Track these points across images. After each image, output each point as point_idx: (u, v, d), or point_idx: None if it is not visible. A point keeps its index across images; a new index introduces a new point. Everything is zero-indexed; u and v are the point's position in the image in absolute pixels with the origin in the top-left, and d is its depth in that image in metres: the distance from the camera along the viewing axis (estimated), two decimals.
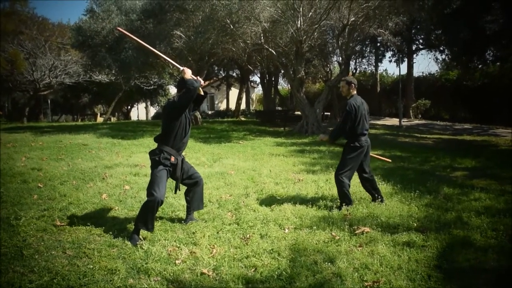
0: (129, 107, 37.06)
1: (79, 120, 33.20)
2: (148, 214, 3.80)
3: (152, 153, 4.03)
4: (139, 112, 41.34)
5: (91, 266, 3.23)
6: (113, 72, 18.40)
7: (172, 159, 3.96)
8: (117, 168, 7.35)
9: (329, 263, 3.28)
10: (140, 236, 3.83)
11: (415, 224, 4.16)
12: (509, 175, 6.89)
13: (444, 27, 15.13)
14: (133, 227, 3.91)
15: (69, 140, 11.56)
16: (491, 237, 3.82)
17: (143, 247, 3.59)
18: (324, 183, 6.19)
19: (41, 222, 4.31)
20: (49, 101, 32.05)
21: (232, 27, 13.32)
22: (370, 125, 5.11)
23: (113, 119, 32.29)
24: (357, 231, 3.94)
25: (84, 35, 16.13)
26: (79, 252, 3.53)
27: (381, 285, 2.92)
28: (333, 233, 3.92)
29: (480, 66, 16.82)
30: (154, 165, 3.95)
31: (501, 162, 8.33)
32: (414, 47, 24.90)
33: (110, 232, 4.00)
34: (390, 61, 28.24)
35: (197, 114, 19.92)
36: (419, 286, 2.94)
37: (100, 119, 30.36)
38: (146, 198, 3.85)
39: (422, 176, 6.88)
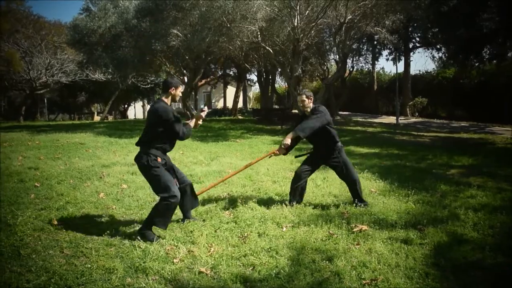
0: (126, 105, 36.91)
1: (76, 119, 33.06)
2: (169, 214, 3.83)
3: (138, 158, 3.96)
4: (136, 110, 41.27)
5: (89, 265, 3.22)
6: (110, 70, 18.34)
7: (159, 159, 3.90)
8: (114, 167, 7.33)
9: (327, 262, 3.28)
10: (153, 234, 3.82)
11: (412, 222, 4.17)
12: (505, 173, 6.92)
13: (440, 25, 15.17)
14: (141, 225, 3.92)
15: (66, 139, 11.50)
16: (488, 235, 3.84)
17: (141, 246, 3.59)
18: (321, 181, 6.19)
19: (38, 222, 4.30)
20: (45, 100, 31.83)
21: (229, 25, 13.29)
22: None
23: (110, 118, 32.14)
24: (354, 229, 3.95)
25: (80, 33, 16.06)
26: (77, 251, 3.52)
27: (379, 283, 2.92)
28: (330, 231, 3.93)
29: (476, 64, 16.85)
30: (147, 169, 3.87)
31: (497, 160, 8.37)
32: (411, 45, 24.98)
33: (108, 231, 3.98)
34: (387, 59, 28.36)
35: (194, 112, 19.88)
36: (417, 284, 2.94)
37: (97, 118, 30.23)
38: (156, 198, 3.80)
39: (419, 174, 6.90)
